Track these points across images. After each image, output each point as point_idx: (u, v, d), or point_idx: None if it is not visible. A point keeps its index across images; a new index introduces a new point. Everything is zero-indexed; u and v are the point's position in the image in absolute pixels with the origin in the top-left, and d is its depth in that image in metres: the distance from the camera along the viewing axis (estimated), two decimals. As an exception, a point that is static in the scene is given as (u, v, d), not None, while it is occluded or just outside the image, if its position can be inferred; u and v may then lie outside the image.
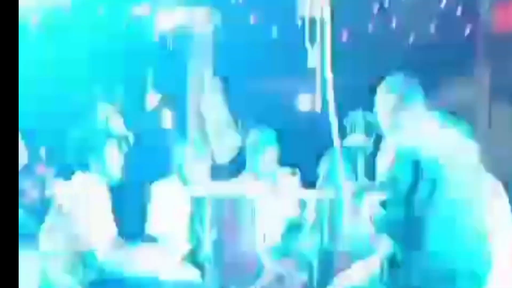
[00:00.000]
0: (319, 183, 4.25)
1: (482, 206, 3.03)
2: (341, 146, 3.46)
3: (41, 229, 3.90)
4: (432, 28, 8.39)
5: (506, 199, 3.70)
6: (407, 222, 2.84)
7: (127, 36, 9.80)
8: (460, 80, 9.73)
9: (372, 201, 3.08)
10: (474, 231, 2.92)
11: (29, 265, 4.02)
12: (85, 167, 3.80)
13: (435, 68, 9.44)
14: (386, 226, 2.95)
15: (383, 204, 2.93)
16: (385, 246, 2.99)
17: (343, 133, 3.44)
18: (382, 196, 2.96)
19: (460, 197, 2.90)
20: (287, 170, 4.73)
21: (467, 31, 8.30)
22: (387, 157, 2.95)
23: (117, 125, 11.88)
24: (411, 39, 8.68)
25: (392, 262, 2.91)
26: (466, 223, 2.89)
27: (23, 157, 10.90)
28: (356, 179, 4.19)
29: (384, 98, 3.12)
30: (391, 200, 2.88)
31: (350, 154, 4.82)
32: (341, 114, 3.70)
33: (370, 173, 3.46)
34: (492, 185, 3.39)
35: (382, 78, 3.29)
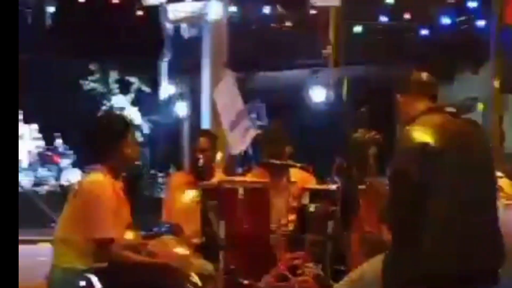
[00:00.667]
0: (332, 176, 4.26)
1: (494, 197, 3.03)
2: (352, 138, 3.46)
3: (58, 217, 3.95)
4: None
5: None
6: (415, 211, 2.85)
7: (141, 25, 9.82)
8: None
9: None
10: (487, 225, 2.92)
11: (44, 252, 4.07)
12: (100, 156, 3.81)
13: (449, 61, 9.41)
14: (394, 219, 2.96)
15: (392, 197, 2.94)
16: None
17: (354, 126, 3.44)
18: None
19: (472, 190, 2.90)
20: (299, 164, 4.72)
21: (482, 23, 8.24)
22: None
23: (133, 114, 11.93)
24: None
25: (399, 258, 2.92)
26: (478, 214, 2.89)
27: (39, 146, 10.98)
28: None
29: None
30: (399, 193, 2.90)
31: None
32: (354, 106, 3.70)
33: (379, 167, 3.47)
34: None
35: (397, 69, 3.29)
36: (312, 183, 4.86)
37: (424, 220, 2.83)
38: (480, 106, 8.05)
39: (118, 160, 3.80)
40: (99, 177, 3.74)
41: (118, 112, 9.78)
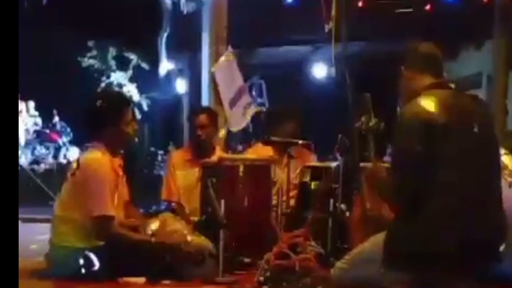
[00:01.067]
0: (334, 154, 4.21)
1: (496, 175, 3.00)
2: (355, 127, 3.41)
3: (56, 195, 3.91)
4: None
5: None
6: (415, 191, 2.83)
7: (139, 1, 9.72)
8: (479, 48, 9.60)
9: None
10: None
11: (43, 231, 4.04)
12: (98, 133, 3.76)
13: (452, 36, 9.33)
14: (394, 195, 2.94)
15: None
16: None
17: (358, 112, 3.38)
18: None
19: (472, 166, 2.87)
20: (301, 141, 4.67)
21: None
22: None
23: (132, 91, 11.84)
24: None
25: (397, 232, 2.90)
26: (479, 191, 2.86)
27: (37, 124, 10.92)
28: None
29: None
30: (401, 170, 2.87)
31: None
32: (357, 86, 3.64)
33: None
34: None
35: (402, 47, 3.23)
36: (312, 161, 4.82)
37: (427, 194, 2.80)
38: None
39: (116, 138, 3.76)
40: (97, 155, 3.71)
41: (116, 90, 9.73)
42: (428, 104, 2.90)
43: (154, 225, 3.82)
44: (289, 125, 4.86)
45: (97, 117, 3.78)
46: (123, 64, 11.75)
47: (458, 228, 2.81)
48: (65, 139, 11.12)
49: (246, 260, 3.90)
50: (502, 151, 3.68)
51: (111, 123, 3.74)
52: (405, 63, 3.11)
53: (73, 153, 10.23)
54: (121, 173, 3.84)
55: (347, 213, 4.02)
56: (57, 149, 10.99)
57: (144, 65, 11.70)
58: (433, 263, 2.80)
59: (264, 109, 7.42)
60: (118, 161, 3.83)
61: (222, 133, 5.59)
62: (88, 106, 3.84)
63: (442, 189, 2.81)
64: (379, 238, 3.03)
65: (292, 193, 4.51)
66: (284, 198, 4.37)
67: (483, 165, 2.92)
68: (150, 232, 3.77)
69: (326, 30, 4.44)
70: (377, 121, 3.29)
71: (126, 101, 4.04)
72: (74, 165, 3.79)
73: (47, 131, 11.04)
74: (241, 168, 4.15)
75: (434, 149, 2.81)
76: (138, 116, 10.58)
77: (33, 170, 9.72)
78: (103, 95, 3.97)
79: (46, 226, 3.87)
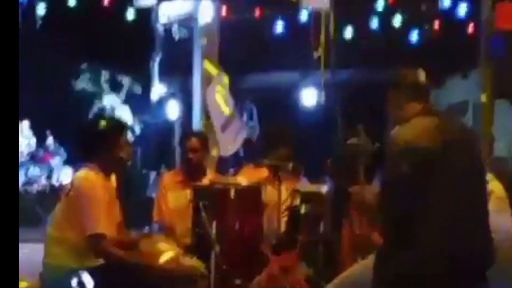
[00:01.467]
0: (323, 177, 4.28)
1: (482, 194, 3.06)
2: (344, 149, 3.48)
3: (50, 216, 3.95)
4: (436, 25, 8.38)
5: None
6: (402, 214, 2.87)
7: (132, 26, 9.80)
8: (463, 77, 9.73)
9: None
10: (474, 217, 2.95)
11: (36, 251, 4.07)
12: (93, 156, 3.82)
13: (438, 65, 9.46)
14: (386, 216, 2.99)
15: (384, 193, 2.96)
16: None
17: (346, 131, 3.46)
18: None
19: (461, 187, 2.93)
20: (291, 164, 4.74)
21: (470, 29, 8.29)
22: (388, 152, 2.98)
23: (124, 114, 11.87)
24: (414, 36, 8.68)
25: (385, 255, 2.94)
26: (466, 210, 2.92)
27: (30, 145, 10.90)
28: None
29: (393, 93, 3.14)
30: (391, 190, 2.92)
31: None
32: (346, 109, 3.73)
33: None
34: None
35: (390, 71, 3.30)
36: (302, 184, 4.87)
37: (415, 218, 2.84)
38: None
39: (111, 162, 3.81)
40: (91, 175, 3.75)
41: (112, 115, 9.76)
42: (416, 129, 2.94)
43: (145, 246, 3.85)
44: (283, 148, 4.91)
45: (92, 142, 3.83)
46: (116, 87, 11.80)
47: (446, 252, 2.83)
48: (58, 160, 11.12)
49: (237, 282, 3.93)
50: (489, 176, 3.77)
51: (106, 148, 3.79)
52: (393, 90, 3.16)
53: (66, 174, 10.22)
54: (114, 194, 3.89)
55: (337, 236, 4.07)
56: (51, 170, 10.98)
57: (137, 89, 11.76)
58: (421, 285, 2.85)
59: (256, 131, 7.49)
60: (111, 183, 3.89)
61: (215, 152, 5.64)
62: (83, 130, 3.90)
63: (430, 213, 2.83)
64: (368, 261, 3.07)
65: (282, 216, 4.56)
66: (275, 221, 4.42)
67: (470, 190, 2.95)
68: (139, 253, 3.79)
69: (315, 57, 4.54)
70: (367, 143, 3.35)
71: (121, 126, 4.09)
72: (68, 185, 3.84)
73: (41, 152, 11.04)
74: (232, 192, 4.20)
75: (421, 174, 2.83)
76: (131, 138, 10.60)
77: (26, 191, 9.71)
78: (98, 121, 4.01)
79: (40, 247, 3.90)
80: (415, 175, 2.84)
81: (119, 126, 4.01)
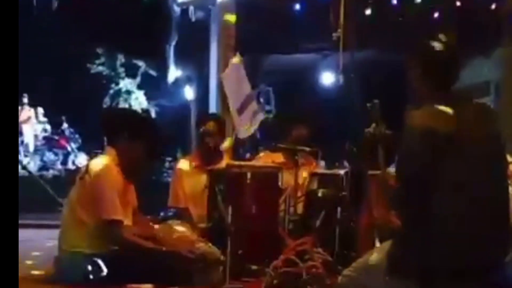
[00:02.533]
0: (342, 161, 4.21)
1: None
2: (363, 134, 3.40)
3: (65, 201, 3.93)
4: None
5: None
6: (421, 199, 2.81)
7: (148, 8, 9.75)
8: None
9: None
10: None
11: (51, 236, 4.06)
12: (108, 141, 3.79)
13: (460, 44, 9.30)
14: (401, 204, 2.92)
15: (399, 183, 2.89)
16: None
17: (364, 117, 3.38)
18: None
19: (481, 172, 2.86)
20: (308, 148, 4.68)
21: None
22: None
23: (140, 98, 11.86)
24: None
25: (405, 241, 2.88)
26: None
27: (45, 130, 10.96)
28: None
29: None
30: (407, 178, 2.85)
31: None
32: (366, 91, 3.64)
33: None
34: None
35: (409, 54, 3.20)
36: (319, 168, 4.83)
37: (433, 203, 2.79)
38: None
39: (129, 155, 3.77)
40: (107, 160, 3.73)
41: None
42: (437, 112, 2.88)
43: (161, 232, 3.83)
44: (299, 131, 4.86)
45: (117, 131, 3.80)
46: (131, 71, 11.79)
47: (464, 238, 2.79)
48: (73, 145, 11.16)
49: (254, 267, 3.90)
50: (510, 158, 3.67)
51: (130, 139, 3.76)
52: (417, 64, 3.05)
53: (81, 159, 10.29)
54: (130, 179, 3.85)
55: (355, 221, 4.02)
56: (66, 155, 11.03)
57: (152, 72, 11.74)
58: (438, 272, 2.79)
59: (271, 115, 7.43)
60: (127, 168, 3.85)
61: (227, 143, 5.59)
62: (108, 119, 3.86)
63: (448, 198, 2.79)
64: (386, 246, 3.01)
65: (299, 200, 4.51)
66: (292, 205, 4.37)
67: (490, 175, 2.89)
68: (158, 241, 3.76)
69: (334, 38, 4.44)
70: (385, 128, 3.28)
71: (151, 132, 4.01)
72: (83, 169, 3.82)
73: (56, 137, 11.08)
74: (249, 175, 4.15)
75: (441, 158, 2.79)
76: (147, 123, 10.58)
77: (41, 176, 9.77)
78: (126, 115, 4.02)
79: (55, 232, 3.89)
80: (434, 157, 2.77)
81: (148, 130, 3.95)
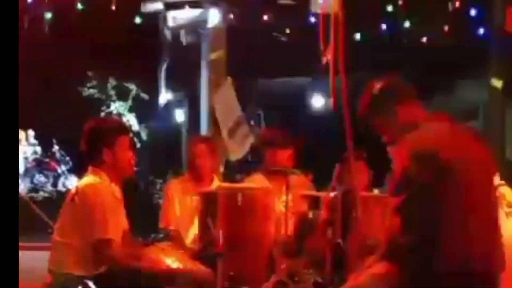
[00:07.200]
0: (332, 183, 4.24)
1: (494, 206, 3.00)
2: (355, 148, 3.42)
3: (54, 223, 3.91)
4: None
5: None
6: (421, 221, 2.80)
7: (139, 32, 9.80)
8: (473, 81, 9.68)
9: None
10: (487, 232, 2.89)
11: (41, 256, 4.03)
12: (97, 159, 3.77)
13: (448, 69, 9.41)
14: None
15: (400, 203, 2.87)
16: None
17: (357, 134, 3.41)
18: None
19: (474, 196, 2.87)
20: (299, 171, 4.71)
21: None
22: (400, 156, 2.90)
23: (131, 120, 11.87)
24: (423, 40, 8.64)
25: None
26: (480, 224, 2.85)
27: (36, 152, 10.91)
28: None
29: None
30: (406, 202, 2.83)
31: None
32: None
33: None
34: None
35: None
36: (311, 190, 4.84)
37: (433, 227, 2.76)
38: (498, 83, 7.96)
39: (114, 163, 3.76)
40: (95, 180, 3.71)
41: (114, 117, 9.76)
42: (431, 136, 2.89)
43: (154, 251, 3.81)
44: (282, 153, 4.88)
45: (93, 142, 3.79)
46: (122, 94, 11.80)
47: (465, 260, 2.77)
48: (64, 167, 11.15)
49: (244, 288, 3.90)
50: (500, 181, 3.71)
51: (108, 148, 3.73)
52: (396, 98, 3.07)
53: (72, 182, 10.26)
54: (120, 200, 3.84)
55: (345, 242, 4.03)
56: (56, 177, 11.01)
57: (144, 95, 11.75)
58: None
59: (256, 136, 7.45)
60: (117, 189, 3.85)
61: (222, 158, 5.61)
62: (86, 129, 3.84)
63: (451, 224, 2.76)
64: (376, 270, 3.01)
65: (290, 222, 4.52)
66: (283, 227, 4.38)
67: (486, 197, 2.89)
68: (150, 258, 3.75)
69: (324, 62, 4.49)
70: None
71: (124, 128, 4.05)
72: (73, 190, 3.81)
73: (47, 159, 11.07)
74: (240, 197, 4.16)
75: (439, 180, 2.76)
76: (138, 145, 10.62)
77: (32, 198, 9.72)
78: (101, 120, 4.00)
79: (45, 254, 3.87)
80: (434, 180, 2.75)
81: (122, 127, 3.97)
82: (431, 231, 2.75)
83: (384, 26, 8.55)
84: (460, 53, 8.78)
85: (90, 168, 3.80)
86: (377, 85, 3.08)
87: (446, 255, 2.76)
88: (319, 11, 4.17)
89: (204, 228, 4.11)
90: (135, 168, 4.02)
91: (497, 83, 7.78)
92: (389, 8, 8.28)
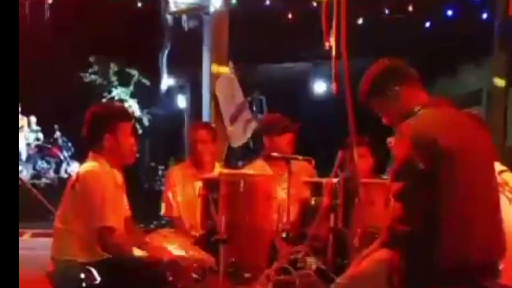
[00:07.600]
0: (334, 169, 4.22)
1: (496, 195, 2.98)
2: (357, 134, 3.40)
3: (56, 210, 3.91)
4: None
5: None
6: (421, 208, 2.79)
7: (141, 17, 9.76)
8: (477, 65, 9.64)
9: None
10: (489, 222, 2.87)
11: (43, 245, 4.04)
12: (98, 145, 3.76)
13: (451, 54, 9.37)
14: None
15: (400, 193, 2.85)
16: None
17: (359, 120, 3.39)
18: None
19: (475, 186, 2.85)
20: (301, 156, 4.69)
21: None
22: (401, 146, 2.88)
23: (133, 106, 11.87)
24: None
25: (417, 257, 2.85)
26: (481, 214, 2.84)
27: (38, 139, 10.93)
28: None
29: None
30: (406, 189, 2.81)
31: None
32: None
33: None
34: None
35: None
36: (314, 176, 4.83)
37: (434, 213, 2.74)
38: (501, 82, 7.94)
39: (115, 149, 3.74)
40: (95, 166, 3.69)
41: (116, 103, 9.75)
42: (431, 122, 2.86)
43: (153, 241, 3.81)
44: (283, 138, 4.87)
45: (96, 126, 3.78)
46: (124, 80, 11.79)
47: (466, 246, 2.77)
48: (66, 154, 11.17)
49: (247, 275, 3.90)
50: (502, 167, 3.69)
51: (110, 134, 3.72)
52: (398, 79, 3.05)
53: (74, 168, 10.28)
54: (121, 186, 3.83)
55: (347, 229, 4.02)
56: (58, 164, 11.03)
57: (145, 81, 11.74)
58: (439, 281, 2.78)
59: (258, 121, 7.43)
60: (119, 175, 3.83)
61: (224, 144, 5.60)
62: (88, 115, 3.82)
63: (452, 211, 2.76)
64: (377, 255, 3.00)
65: (292, 208, 4.51)
66: (285, 213, 4.37)
67: (486, 183, 2.89)
68: (152, 245, 3.75)
69: (326, 47, 4.45)
70: None
71: (127, 114, 4.03)
72: (74, 177, 3.79)
73: (49, 146, 11.08)
74: (242, 183, 4.15)
75: (438, 167, 2.75)
76: (139, 131, 10.63)
77: (34, 184, 9.74)
78: (103, 105, 3.97)
79: (47, 241, 3.87)
80: (433, 166, 2.73)
81: (123, 113, 3.95)
82: (430, 218, 2.74)
83: (387, 11, 8.50)
84: (464, 38, 8.73)
85: (90, 154, 3.78)
86: (380, 66, 3.07)
87: (445, 244, 2.75)
88: (321, -6, 4.12)
89: (206, 214, 4.10)
90: (137, 155, 3.99)
91: (500, 82, 7.75)
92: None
